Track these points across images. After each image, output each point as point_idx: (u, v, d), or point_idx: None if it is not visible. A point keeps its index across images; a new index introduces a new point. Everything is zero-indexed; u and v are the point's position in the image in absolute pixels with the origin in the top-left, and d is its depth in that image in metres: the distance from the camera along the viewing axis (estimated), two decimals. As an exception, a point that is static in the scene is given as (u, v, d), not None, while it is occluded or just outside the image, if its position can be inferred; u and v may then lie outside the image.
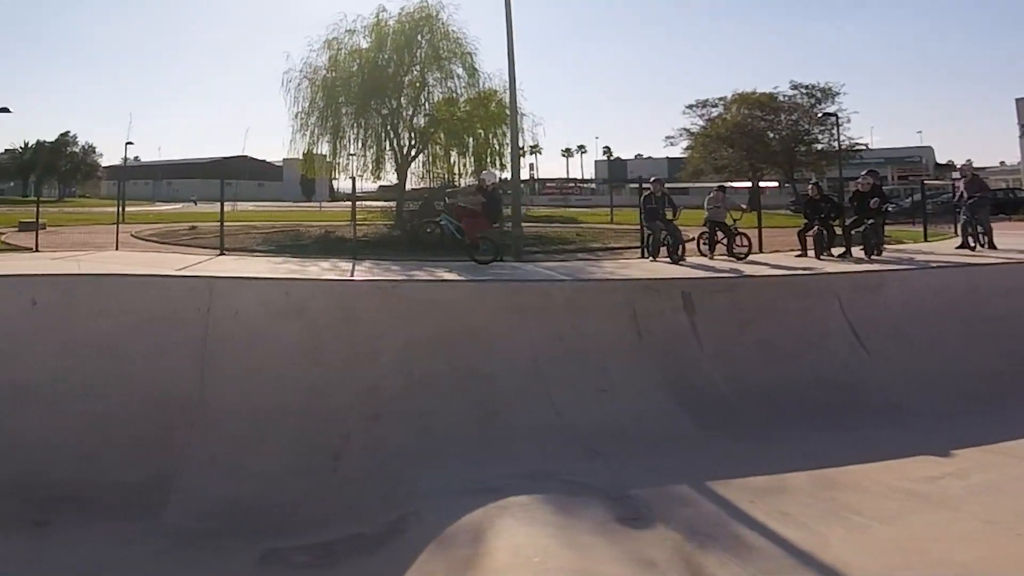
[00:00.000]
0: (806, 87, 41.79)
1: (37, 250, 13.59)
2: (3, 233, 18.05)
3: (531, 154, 59.84)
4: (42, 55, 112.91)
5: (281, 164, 69.54)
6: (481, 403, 6.84)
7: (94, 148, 67.08)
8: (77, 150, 66.31)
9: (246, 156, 72.15)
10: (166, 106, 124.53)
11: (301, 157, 20.21)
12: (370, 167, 19.76)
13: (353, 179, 19.23)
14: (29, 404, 6.26)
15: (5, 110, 24.98)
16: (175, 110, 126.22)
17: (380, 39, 19.44)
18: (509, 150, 19.34)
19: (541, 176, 73.01)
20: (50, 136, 65.33)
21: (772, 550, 4.32)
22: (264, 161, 74.93)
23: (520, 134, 15.80)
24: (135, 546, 4.99)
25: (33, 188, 60.68)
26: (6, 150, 62.00)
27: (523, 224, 15.09)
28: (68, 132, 65.78)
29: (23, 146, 66.37)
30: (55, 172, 63.70)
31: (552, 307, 8.10)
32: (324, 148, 19.60)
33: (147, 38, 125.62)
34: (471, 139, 19.60)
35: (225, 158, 69.12)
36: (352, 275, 9.64)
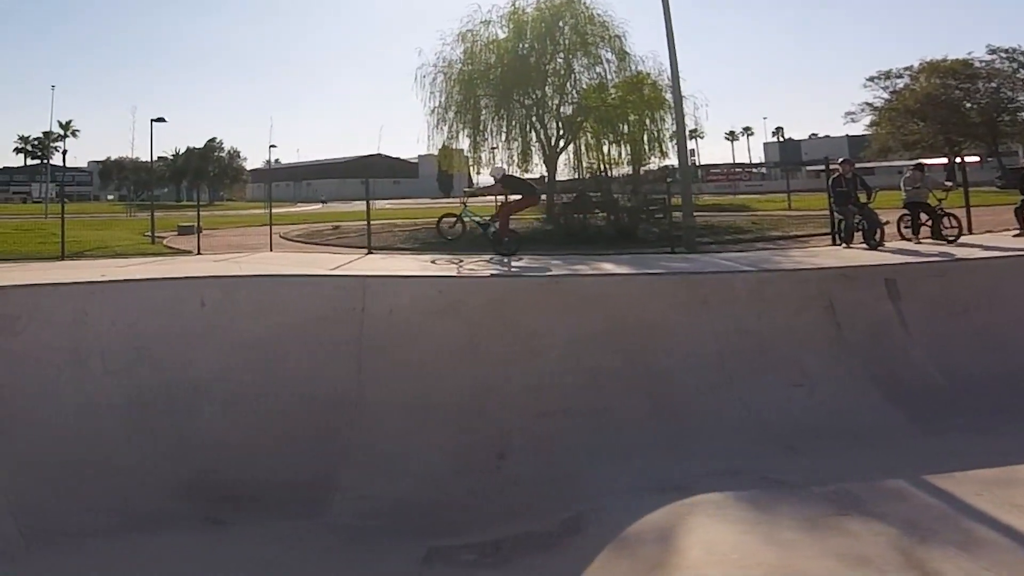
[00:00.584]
0: (1006, 51, 40.16)
1: (199, 252, 15.23)
2: (164, 237, 20.59)
3: (692, 139, 57.99)
4: (189, 64, 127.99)
5: (416, 161, 72.96)
6: (660, 399, 6.90)
7: (239, 152, 75.42)
8: (224, 155, 74.73)
9: (381, 154, 76.46)
10: (303, 108, 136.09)
11: (437, 153, 21.09)
12: (515, 159, 20.40)
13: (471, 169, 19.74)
14: (202, 404, 7.04)
15: (161, 120, 28.63)
16: (311, 111, 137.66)
17: (518, 28, 19.98)
18: (668, 135, 19.10)
19: (704, 162, 70.52)
20: (199, 142, 74.02)
21: (1005, 543, 4.20)
22: (399, 159, 79.07)
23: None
24: (303, 544, 5.50)
25: (186, 192, 69.01)
26: (160, 157, 71.00)
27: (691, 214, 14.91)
28: (215, 138, 74.44)
29: (175, 153, 75.78)
30: (204, 177, 71.95)
31: (736, 299, 8.05)
32: (463, 143, 20.59)
33: (284, 42, 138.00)
34: (624, 126, 19.64)
35: (361, 157, 73.85)
36: (508, 269, 9.94)
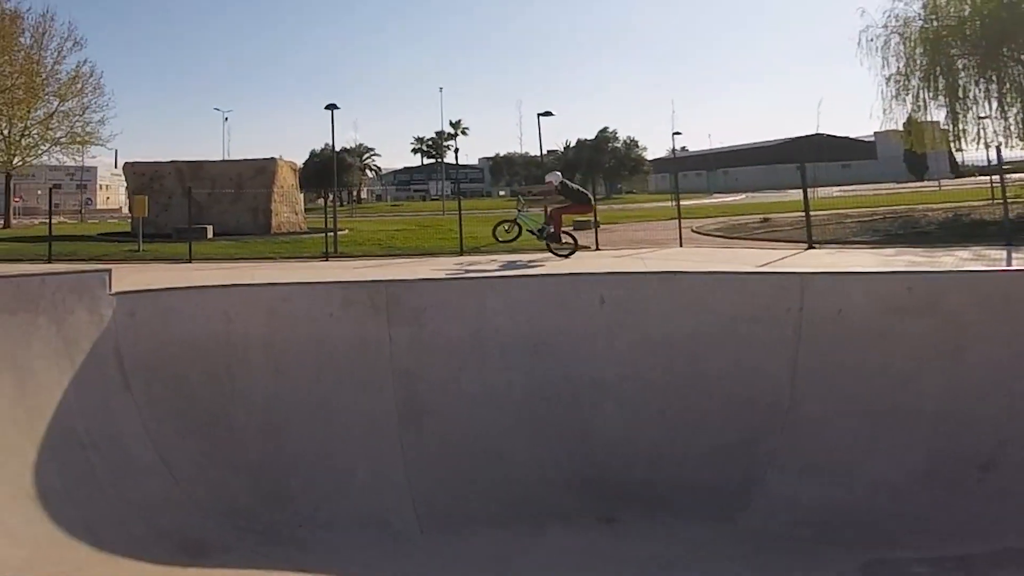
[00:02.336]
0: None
1: (597, 248, 16.99)
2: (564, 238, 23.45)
3: None
4: (575, 55, 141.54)
5: (872, 139, 69.88)
6: None
7: (636, 142, 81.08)
8: (619, 145, 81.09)
9: (821, 134, 75.26)
10: (711, 89, 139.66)
11: (901, 128, 21.08)
12: (1016, 131, 19.76)
13: (998, 148, 18.65)
14: (605, 402, 8.35)
15: (547, 114, 32.41)
16: (722, 92, 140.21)
17: None
18: None
19: None
20: (589, 133, 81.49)
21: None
22: (847, 138, 76.65)
23: None
24: (707, 548, 6.51)
25: (579, 185, 76.66)
26: (549, 151, 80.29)
27: None
28: (607, 128, 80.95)
29: (565, 146, 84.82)
30: (599, 169, 79.17)
31: None
32: (936, 114, 20.49)
33: (684, 17, 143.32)
34: None
35: (795, 139, 73.46)
36: (1008, 264, 9.87)
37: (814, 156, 60.15)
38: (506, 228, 15.98)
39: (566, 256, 13.93)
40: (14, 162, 35.70)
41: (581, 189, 16.70)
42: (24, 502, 6.93)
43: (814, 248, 13.99)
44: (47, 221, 21.24)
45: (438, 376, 8.74)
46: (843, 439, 7.30)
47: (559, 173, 16.62)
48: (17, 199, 43.82)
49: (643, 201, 48.21)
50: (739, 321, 8.41)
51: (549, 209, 16.10)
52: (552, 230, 14.90)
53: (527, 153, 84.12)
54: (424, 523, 7.43)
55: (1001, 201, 15.53)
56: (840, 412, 7.48)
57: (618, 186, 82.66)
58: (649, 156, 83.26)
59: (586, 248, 17.58)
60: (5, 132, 34.60)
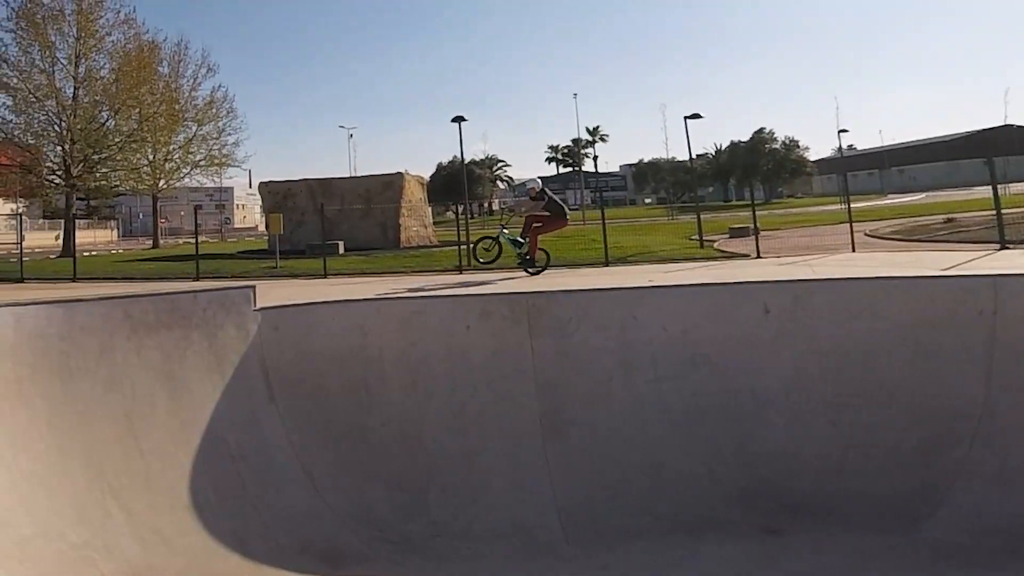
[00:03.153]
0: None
1: (759, 255, 16.76)
2: (713, 240, 23.19)
3: None
4: (723, 51, 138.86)
5: None
6: None
7: (797, 142, 79.21)
8: (777, 146, 79.38)
9: (1011, 125, 72.25)
10: (881, 83, 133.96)
11: None
12: None
13: None
14: (769, 412, 8.43)
15: (696, 116, 32.03)
16: (893, 86, 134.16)
17: None
18: None
19: None
20: (743, 135, 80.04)
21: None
22: None
23: None
24: (880, 559, 6.68)
25: (734, 191, 75.41)
26: (699, 155, 79.10)
27: None
28: (763, 128, 79.43)
29: (717, 150, 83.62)
30: (756, 172, 77.53)
31: None
32: None
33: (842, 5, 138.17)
34: None
35: (980, 131, 70.67)
36: None
37: (1004, 149, 57.21)
38: (486, 247, 16.12)
39: (537, 274, 14.72)
40: (159, 185, 39.27)
41: (560, 201, 16.52)
42: (180, 512, 7.58)
43: (1008, 248, 13.68)
44: (191, 240, 22.93)
45: (585, 387, 8.93)
46: None
47: (538, 181, 17.15)
48: (163, 220, 47.59)
49: (807, 205, 47.16)
50: (920, 327, 8.33)
51: (525, 220, 15.80)
52: (527, 251, 15.44)
53: (674, 158, 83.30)
54: (570, 534, 7.70)
55: None
56: None
57: (779, 190, 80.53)
58: (812, 157, 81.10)
59: (745, 256, 17.39)
60: (150, 157, 37.95)
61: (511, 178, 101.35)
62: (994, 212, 15.58)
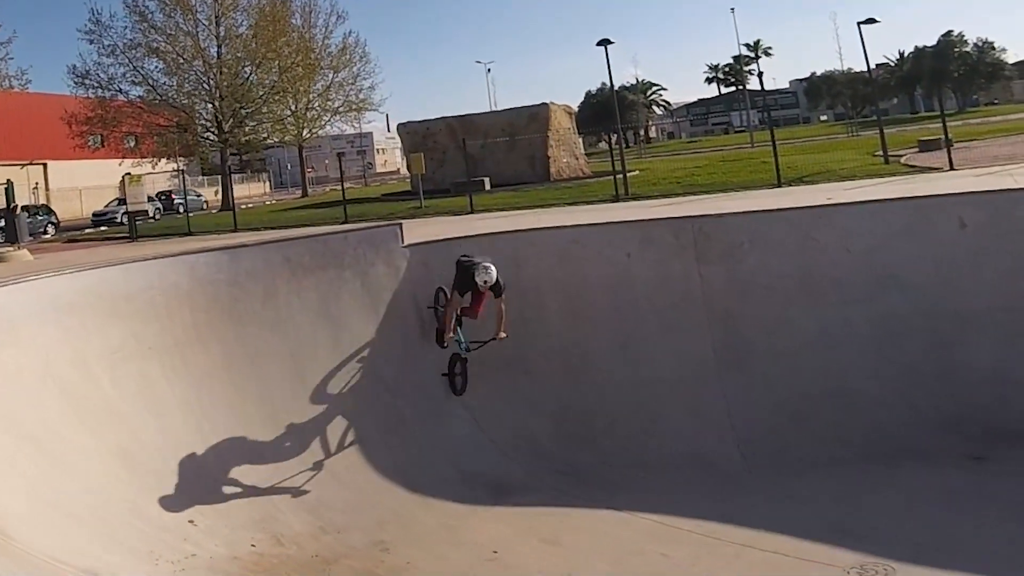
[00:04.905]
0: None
1: (952, 168, 16.00)
2: (901, 155, 22.26)
3: None
4: None
5: None
6: None
7: (992, 44, 74.55)
8: (969, 50, 75.03)
9: None
10: None
11: None
12: None
13: None
14: (970, 335, 8.24)
15: (871, 20, 30.24)
16: None
17: None
18: None
19: None
20: (929, 40, 75.73)
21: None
22: None
23: None
24: None
25: (922, 102, 71.85)
26: (878, 65, 75.50)
27: None
28: (951, 31, 75.04)
29: (900, 57, 79.59)
30: (947, 79, 73.50)
31: None
32: None
33: None
34: None
35: None
36: None
37: None
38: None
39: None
40: (303, 134, 41.52)
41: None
42: (346, 448, 8.22)
43: None
44: (337, 188, 23.83)
45: (763, 314, 8.97)
46: None
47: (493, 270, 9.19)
48: (310, 169, 50.25)
49: (1007, 113, 44.49)
50: None
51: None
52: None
53: (850, 70, 79.45)
54: (752, 463, 7.83)
55: None
56: None
57: (973, 98, 76.36)
58: (1010, 59, 76.34)
59: (937, 170, 16.66)
60: (292, 107, 40.09)
61: (667, 102, 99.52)
62: None
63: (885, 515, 6.49)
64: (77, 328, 7.55)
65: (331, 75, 40.71)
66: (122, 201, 28.96)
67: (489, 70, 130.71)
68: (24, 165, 41.44)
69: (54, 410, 6.68)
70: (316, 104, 40.92)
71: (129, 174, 27.84)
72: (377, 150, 71.32)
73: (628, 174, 22.72)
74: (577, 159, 33.18)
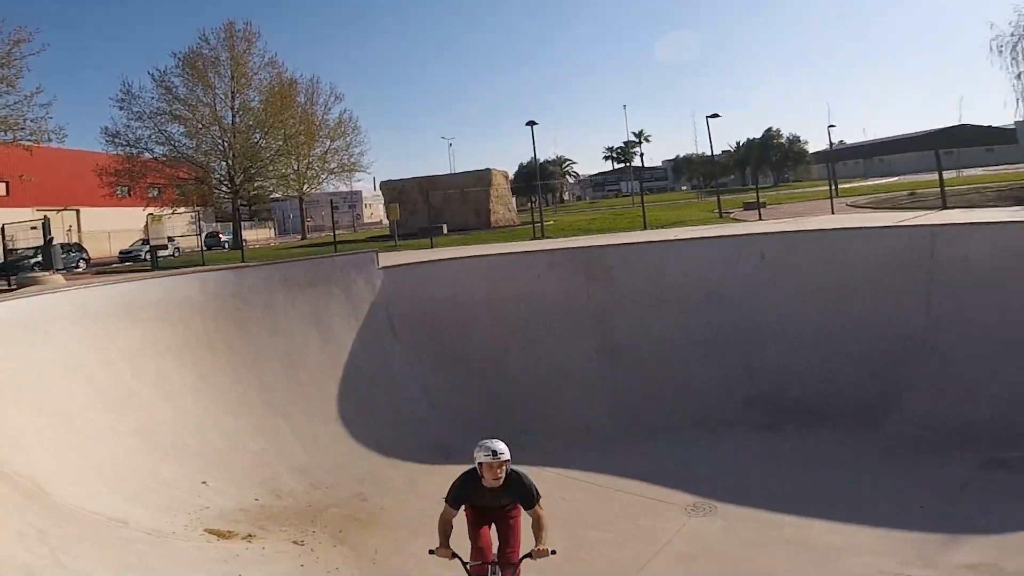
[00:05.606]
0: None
1: (760, 219, 16.65)
2: (731, 212, 23.09)
3: None
4: (740, 66, 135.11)
5: (1014, 127, 63.87)
6: None
7: (799, 138, 77.77)
8: (783, 141, 78.00)
9: (966, 124, 70.26)
10: (863, 89, 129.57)
11: None
12: None
13: None
14: (766, 341, 8.55)
15: (715, 115, 31.18)
16: (873, 92, 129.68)
17: None
18: None
19: None
20: (756, 133, 78.44)
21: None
22: (990, 127, 71.38)
23: None
24: (851, 448, 6.97)
25: (750, 178, 74.13)
26: (723, 151, 78.00)
27: None
28: (771, 128, 78.05)
29: (736, 145, 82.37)
30: (767, 162, 75.96)
31: None
32: None
33: (831, 31, 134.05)
34: None
35: (943, 128, 68.92)
36: None
37: (960, 143, 56.19)
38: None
39: None
40: (303, 189, 39.41)
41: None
42: (331, 424, 8.11)
43: (947, 209, 13.76)
44: (331, 232, 23.63)
45: (629, 321, 9.17)
46: (969, 366, 7.29)
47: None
48: (309, 220, 48.25)
49: (807, 187, 46.67)
50: (878, 270, 8.38)
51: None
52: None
53: (703, 154, 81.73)
54: (620, 431, 8.01)
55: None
56: (967, 343, 7.48)
57: (784, 176, 78.76)
58: (811, 149, 79.31)
59: (752, 220, 17.29)
60: (295, 167, 37.88)
61: (577, 173, 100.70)
62: (951, 187, 15.58)
63: (709, 467, 6.82)
64: (101, 330, 7.38)
65: (328, 143, 38.83)
66: (146, 241, 26.92)
67: (451, 144, 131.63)
68: (59, 210, 38.55)
69: (81, 396, 6.51)
70: (315, 165, 38.90)
71: (152, 214, 26.41)
72: (366, 204, 70.18)
73: (544, 223, 23.00)
74: (510, 211, 33.31)
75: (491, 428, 8.45)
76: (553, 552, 4.01)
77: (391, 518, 6.27)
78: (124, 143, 31.63)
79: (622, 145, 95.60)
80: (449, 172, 38.87)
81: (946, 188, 15.86)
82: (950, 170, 31.59)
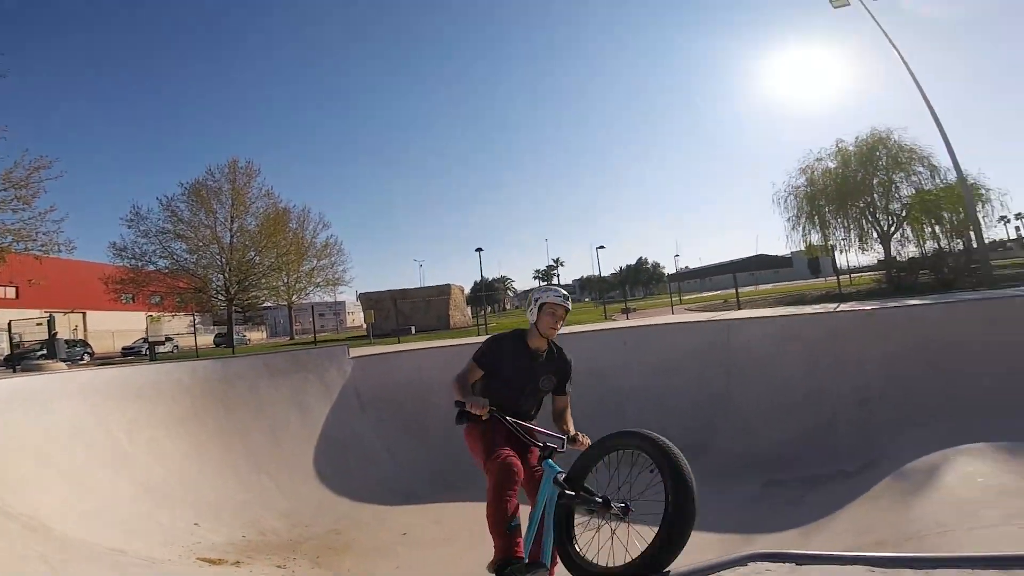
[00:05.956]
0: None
1: (628, 319, 17.49)
2: (614, 315, 24.12)
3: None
4: (631, 208, 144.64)
5: (790, 255, 70.21)
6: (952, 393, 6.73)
7: (659, 264, 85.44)
8: (649, 267, 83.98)
9: (761, 254, 79.87)
10: (702, 228, 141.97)
11: (802, 248, 23.54)
12: (855, 244, 22.81)
13: (833, 254, 23.93)
14: (629, 402, 8.89)
15: (602, 247, 37.93)
16: (706, 232, 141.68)
17: (845, 160, 22.54)
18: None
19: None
20: (632, 260, 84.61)
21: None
22: (776, 255, 79.35)
23: (986, 204, 20.02)
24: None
25: (631, 292, 78.13)
26: (612, 272, 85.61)
27: None
28: (642, 256, 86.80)
29: (620, 268, 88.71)
30: (639, 282, 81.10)
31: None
32: (814, 237, 23.24)
33: (680, 181, 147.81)
34: (946, 214, 20.64)
35: (745, 258, 78.83)
36: (836, 311, 9.96)
37: (755, 267, 64.56)
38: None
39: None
40: (293, 299, 35.93)
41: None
42: (309, 480, 7.69)
43: (741, 309, 15.42)
44: (314, 334, 23.24)
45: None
46: (752, 415, 7.85)
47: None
48: (297, 324, 44.93)
49: (663, 298, 49.73)
50: (695, 351, 8.98)
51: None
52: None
53: (599, 275, 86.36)
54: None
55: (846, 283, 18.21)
56: (750, 400, 8.06)
57: (650, 290, 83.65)
58: (668, 272, 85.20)
59: (624, 319, 18.16)
60: (285, 281, 34.42)
61: (515, 289, 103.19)
62: (744, 296, 17.10)
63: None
64: (101, 405, 6.80)
65: (315, 261, 35.60)
66: (146, 339, 24.44)
67: (421, 265, 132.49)
68: (67, 312, 35.25)
69: (81, 456, 5.92)
70: (303, 279, 35.51)
71: (151, 315, 24.64)
72: (348, 312, 68.24)
73: (488, 324, 23.41)
74: (465, 316, 33.51)
75: (444, 477, 8.18)
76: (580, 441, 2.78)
77: (362, 546, 6.02)
78: (130, 256, 28.87)
79: (545, 268, 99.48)
80: (418, 286, 38.59)
81: (742, 297, 17.85)
82: (749, 286, 34.82)
